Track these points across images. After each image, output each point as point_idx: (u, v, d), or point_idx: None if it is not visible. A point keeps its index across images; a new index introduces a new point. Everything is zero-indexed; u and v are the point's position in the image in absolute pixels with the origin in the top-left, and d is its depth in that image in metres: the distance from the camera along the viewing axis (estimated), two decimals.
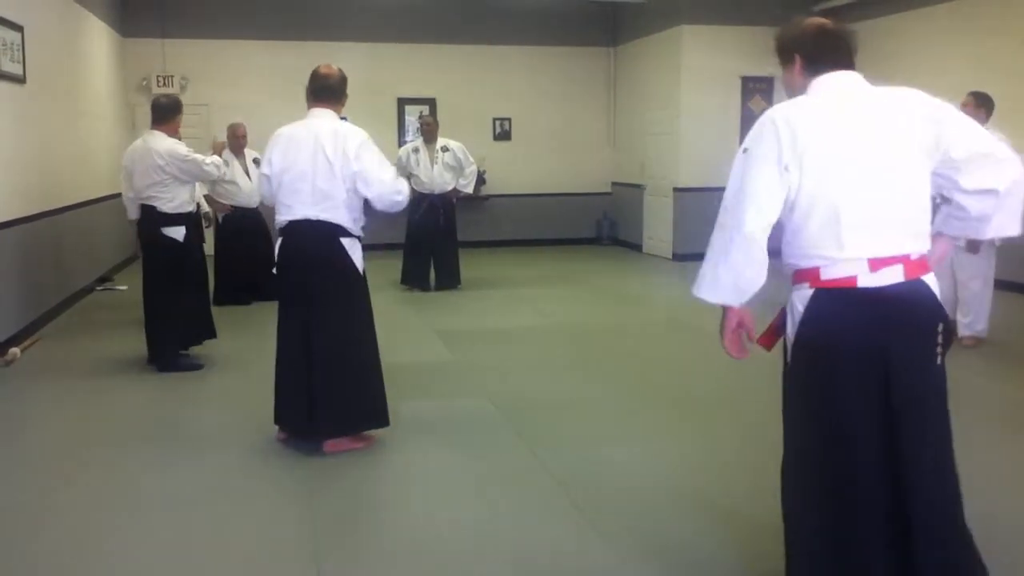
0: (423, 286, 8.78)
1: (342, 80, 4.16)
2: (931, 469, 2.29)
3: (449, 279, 8.83)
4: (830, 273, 2.31)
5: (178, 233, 5.55)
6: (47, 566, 3.07)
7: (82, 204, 8.37)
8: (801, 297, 2.38)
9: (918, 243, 2.32)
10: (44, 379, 5.49)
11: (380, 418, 4.20)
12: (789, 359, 2.45)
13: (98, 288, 8.74)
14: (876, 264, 2.27)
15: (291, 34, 11.37)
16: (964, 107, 5.45)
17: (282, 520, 3.43)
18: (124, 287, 8.71)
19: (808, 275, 2.35)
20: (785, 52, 2.49)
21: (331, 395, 4.06)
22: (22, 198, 6.61)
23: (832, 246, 2.28)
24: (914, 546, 2.26)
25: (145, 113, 7.35)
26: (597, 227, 12.89)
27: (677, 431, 4.47)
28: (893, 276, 2.27)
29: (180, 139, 5.65)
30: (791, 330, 2.42)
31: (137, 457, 4.11)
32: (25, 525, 3.38)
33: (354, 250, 4.08)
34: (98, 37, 9.73)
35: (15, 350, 5.97)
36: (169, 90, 10.42)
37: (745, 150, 2.35)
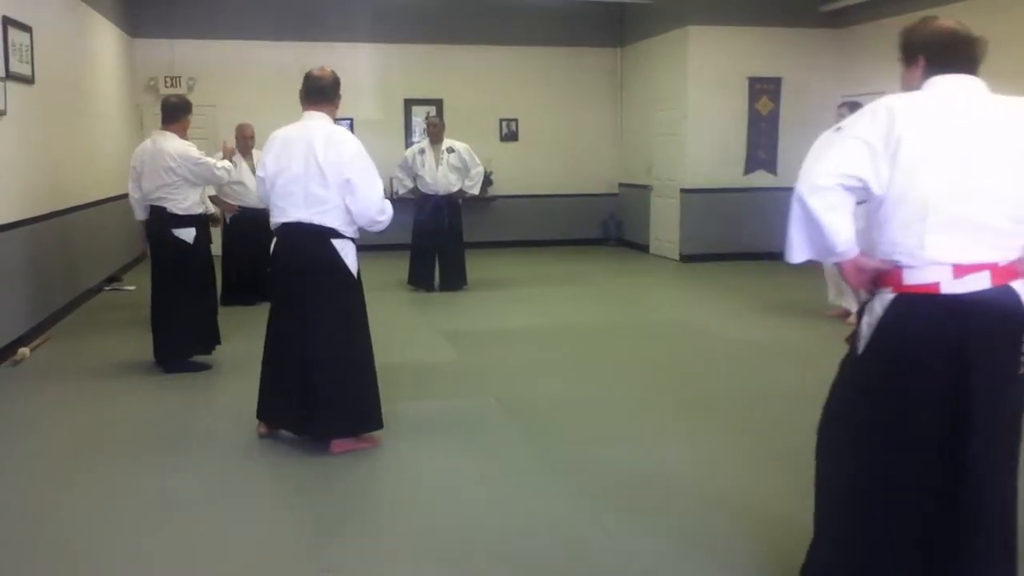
0: (429, 286, 8.80)
1: (334, 82, 4.16)
2: (995, 481, 2.27)
3: (455, 280, 8.84)
4: (912, 278, 2.26)
5: (188, 235, 5.57)
6: (52, 565, 3.09)
7: (90, 204, 8.40)
8: (881, 301, 2.34)
9: (1008, 254, 2.25)
10: (53, 379, 5.52)
11: (374, 420, 4.20)
12: (858, 354, 2.42)
13: (106, 288, 8.77)
14: (961, 271, 2.22)
15: (299, 35, 11.39)
16: None
17: (286, 520, 3.45)
18: (132, 287, 8.74)
19: (890, 279, 2.31)
20: (910, 52, 2.43)
21: (325, 396, 4.07)
22: (30, 198, 6.64)
23: (914, 245, 2.24)
24: (963, 553, 2.25)
25: (153, 114, 7.39)
26: (604, 228, 12.89)
27: (684, 431, 4.47)
28: (978, 283, 2.22)
29: (188, 139, 5.67)
30: (867, 330, 2.39)
31: (143, 457, 4.13)
32: (32, 524, 3.39)
33: (347, 252, 4.07)
34: (106, 37, 9.76)
35: (24, 350, 6.00)
36: (177, 90, 10.44)
37: (838, 128, 2.34)
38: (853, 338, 2.48)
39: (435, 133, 8.77)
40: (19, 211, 6.34)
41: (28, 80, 6.69)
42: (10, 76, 6.26)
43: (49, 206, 7.06)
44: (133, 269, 9.99)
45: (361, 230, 4.17)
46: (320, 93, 4.11)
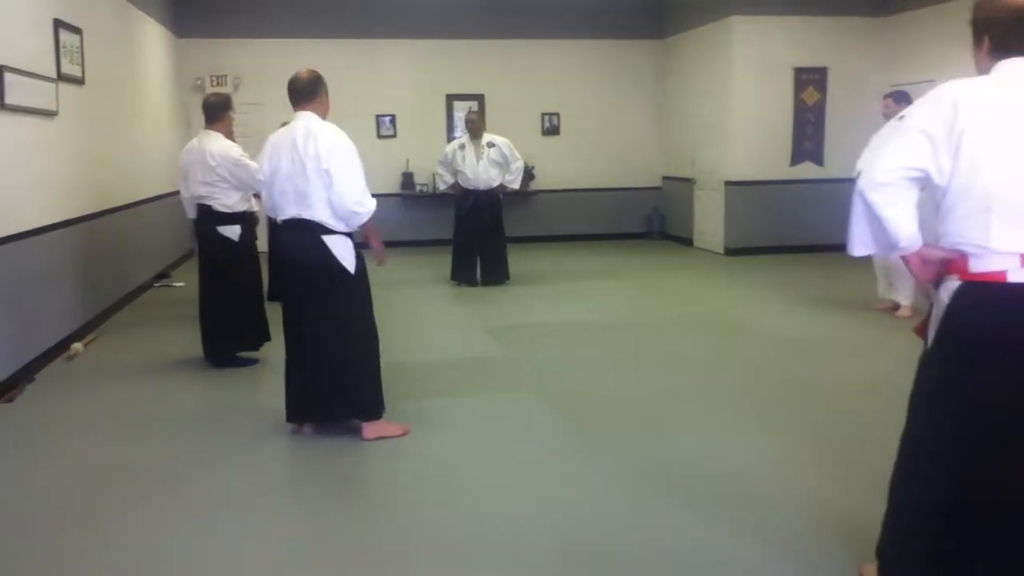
0: (471, 281, 8.82)
1: (312, 81, 4.30)
2: None
3: (496, 275, 8.85)
4: (979, 266, 2.23)
5: (233, 232, 5.65)
6: (103, 558, 3.16)
7: (140, 202, 8.57)
8: (947, 289, 2.31)
9: None
10: (104, 373, 5.64)
11: (368, 411, 4.27)
12: (929, 345, 2.39)
13: (156, 285, 8.94)
14: None
15: (341, 32, 11.50)
16: None
17: (325, 511, 3.49)
18: (181, 284, 8.90)
19: (956, 267, 2.28)
20: (977, 30, 2.36)
21: (316, 386, 4.21)
22: (82, 197, 6.79)
23: (979, 236, 2.20)
24: None
25: (199, 113, 7.50)
26: (647, 221, 12.80)
27: (729, 426, 4.42)
28: None
29: (234, 137, 5.75)
30: (935, 318, 2.36)
31: (189, 449, 4.21)
32: (77, 518, 3.47)
33: (338, 247, 4.12)
34: (153, 38, 9.94)
35: (77, 345, 6.14)
36: (223, 89, 10.57)
37: (901, 117, 2.30)
38: (923, 329, 2.44)
39: (474, 129, 8.78)
40: (71, 209, 6.49)
41: (79, 81, 6.83)
42: (62, 77, 6.40)
43: (100, 204, 7.21)
44: (182, 266, 10.16)
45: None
46: (300, 94, 4.27)
